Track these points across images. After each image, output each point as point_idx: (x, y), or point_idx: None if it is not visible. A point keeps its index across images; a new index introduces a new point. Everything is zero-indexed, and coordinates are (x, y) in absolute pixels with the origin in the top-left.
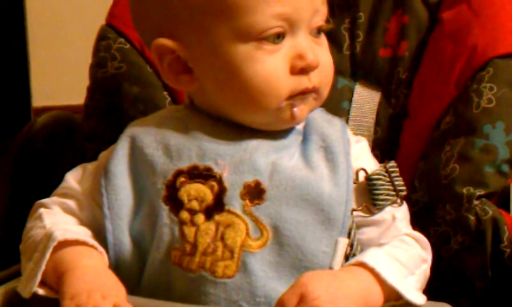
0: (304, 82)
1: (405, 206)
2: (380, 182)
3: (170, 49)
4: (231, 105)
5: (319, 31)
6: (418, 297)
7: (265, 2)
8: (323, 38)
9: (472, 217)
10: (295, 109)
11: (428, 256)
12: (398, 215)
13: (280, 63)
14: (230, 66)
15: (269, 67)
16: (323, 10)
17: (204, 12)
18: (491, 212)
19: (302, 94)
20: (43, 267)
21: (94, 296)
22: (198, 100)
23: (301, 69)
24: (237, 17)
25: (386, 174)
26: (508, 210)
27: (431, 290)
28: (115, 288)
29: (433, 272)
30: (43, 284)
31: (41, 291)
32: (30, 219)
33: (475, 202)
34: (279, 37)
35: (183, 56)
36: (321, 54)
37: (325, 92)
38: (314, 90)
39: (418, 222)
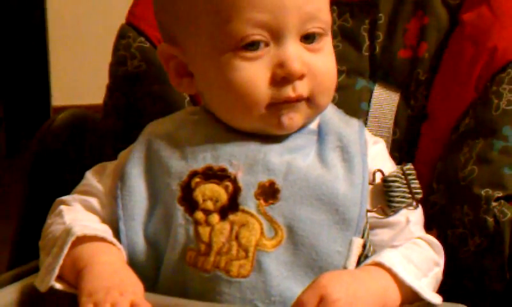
0: (286, 91)
1: (420, 209)
2: (396, 184)
3: (172, 54)
4: (220, 111)
5: (313, 36)
6: (435, 297)
7: (241, 10)
8: (322, 44)
9: (490, 219)
10: (283, 118)
11: (440, 260)
12: (412, 218)
13: (259, 71)
14: (213, 74)
15: (248, 75)
16: (320, 16)
17: (190, 20)
18: (509, 214)
19: (286, 103)
20: (60, 262)
21: (112, 293)
22: (203, 103)
23: (282, 78)
24: (216, 25)
25: (402, 176)
26: None
27: (447, 291)
28: (133, 285)
29: (450, 274)
30: (60, 279)
31: (58, 286)
32: (50, 216)
33: (494, 204)
34: (257, 44)
35: (184, 60)
36: (315, 61)
37: (321, 100)
38: (299, 99)
39: (435, 223)
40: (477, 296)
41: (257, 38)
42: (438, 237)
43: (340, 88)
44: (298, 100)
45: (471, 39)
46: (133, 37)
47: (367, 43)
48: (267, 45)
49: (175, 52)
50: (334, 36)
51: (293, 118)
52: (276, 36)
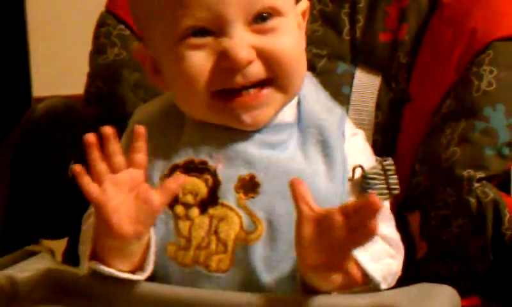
0: (235, 79)
1: (387, 203)
2: (375, 181)
3: (145, 53)
4: (179, 104)
5: (263, 17)
6: (382, 281)
7: (184, 7)
8: (275, 23)
9: (473, 200)
10: (243, 116)
11: (397, 255)
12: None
13: (204, 59)
14: (169, 67)
15: (193, 63)
16: None
17: (149, 16)
18: (492, 195)
19: (237, 95)
20: (89, 244)
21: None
22: None
23: (229, 67)
24: (167, 18)
25: (382, 172)
26: (508, 193)
27: (432, 273)
28: None
29: (435, 255)
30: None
31: (95, 265)
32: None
33: (476, 185)
34: (202, 32)
35: (155, 58)
36: (266, 42)
37: (287, 81)
38: (255, 84)
39: (418, 205)
40: (461, 277)
41: (200, 24)
42: (421, 219)
43: (321, 72)
44: (253, 85)
45: (450, 21)
46: (113, 25)
47: (348, 27)
48: (212, 33)
49: (147, 50)
50: (314, 21)
51: (257, 115)
52: (220, 27)
